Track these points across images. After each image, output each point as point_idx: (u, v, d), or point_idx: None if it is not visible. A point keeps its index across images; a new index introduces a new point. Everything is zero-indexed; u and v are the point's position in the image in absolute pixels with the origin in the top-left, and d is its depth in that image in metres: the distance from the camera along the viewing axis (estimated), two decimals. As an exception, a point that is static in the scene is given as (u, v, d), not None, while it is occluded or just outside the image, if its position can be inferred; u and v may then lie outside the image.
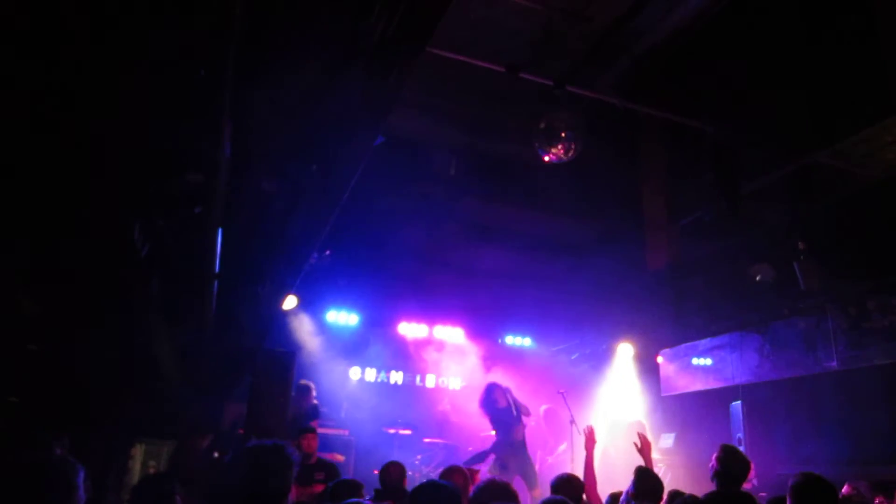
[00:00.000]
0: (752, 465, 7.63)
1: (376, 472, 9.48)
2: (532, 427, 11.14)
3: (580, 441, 8.27)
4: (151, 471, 9.77)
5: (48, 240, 3.84)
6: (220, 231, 4.48)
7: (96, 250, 3.91)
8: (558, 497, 4.06)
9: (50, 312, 5.18)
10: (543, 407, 10.56)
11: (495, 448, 8.46)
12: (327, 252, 9.11)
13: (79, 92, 2.67)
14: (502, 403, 8.61)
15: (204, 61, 2.77)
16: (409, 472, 5.53)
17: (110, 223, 3.47)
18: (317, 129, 3.70)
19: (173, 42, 2.66)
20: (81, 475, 2.65)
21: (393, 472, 5.32)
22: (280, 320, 9.03)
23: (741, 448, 8.28)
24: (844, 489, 5.95)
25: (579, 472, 5.63)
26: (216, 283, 5.29)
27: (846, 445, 7.59)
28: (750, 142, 9.59)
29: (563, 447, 9.85)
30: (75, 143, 2.87)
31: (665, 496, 4.62)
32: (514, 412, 8.58)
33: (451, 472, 5.05)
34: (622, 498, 4.64)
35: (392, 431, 10.28)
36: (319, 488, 6.59)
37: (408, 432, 10.30)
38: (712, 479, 4.53)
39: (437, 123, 13.13)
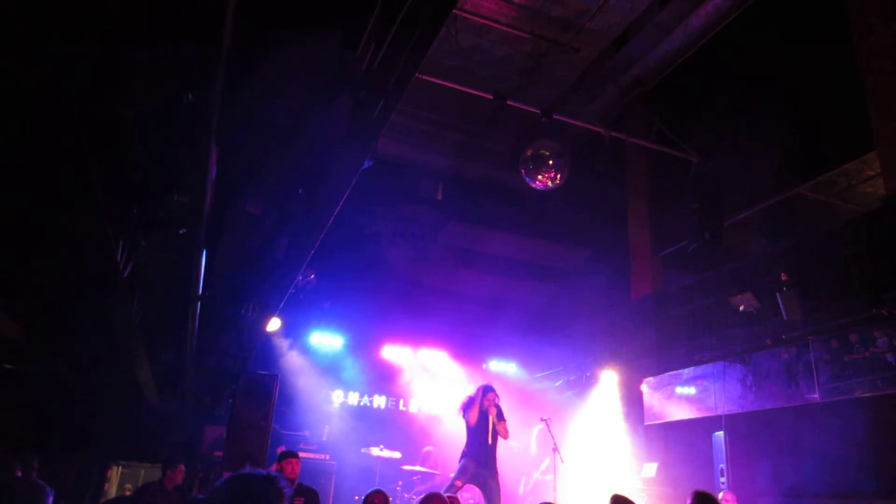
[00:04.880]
0: (735, 499, 7.63)
1: (357, 497, 9.43)
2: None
3: (562, 469, 8.26)
4: (127, 493, 9.61)
5: (28, 258, 3.80)
6: (204, 253, 4.46)
7: (77, 269, 3.88)
8: None
9: (28, 332, 5.12)
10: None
11: (466, 454, 7.63)
12: (311, 276, 9.07)
13: (65, 113, 2.66)
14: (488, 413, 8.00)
15: (192, 86, 2.78)
16: (390, 498, 5.49)
17: (92, 242, 3.45)
18: (304, 153, 3.72)
19: (163, 67, 2.67)
20: (51, 498, 2.61)
21: (377, 502, 5.27)
22: (263, 342, 8.96)
23: (723, 479, 8.29)
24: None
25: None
26: (199, 304, 5.25)
27: (828, 478, 7.59)
28: (734, 174, 9.72)
29: (546, 462, 9.82)
30: (59, 163, 2.86)
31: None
32: (490, 434, 7.92)
33: (430, 499, 4.99)
34: None
35: (374, 456, 10.16)
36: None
37: (394, 454, 10.15)
38: None
39: (425, 148, 13.25)
